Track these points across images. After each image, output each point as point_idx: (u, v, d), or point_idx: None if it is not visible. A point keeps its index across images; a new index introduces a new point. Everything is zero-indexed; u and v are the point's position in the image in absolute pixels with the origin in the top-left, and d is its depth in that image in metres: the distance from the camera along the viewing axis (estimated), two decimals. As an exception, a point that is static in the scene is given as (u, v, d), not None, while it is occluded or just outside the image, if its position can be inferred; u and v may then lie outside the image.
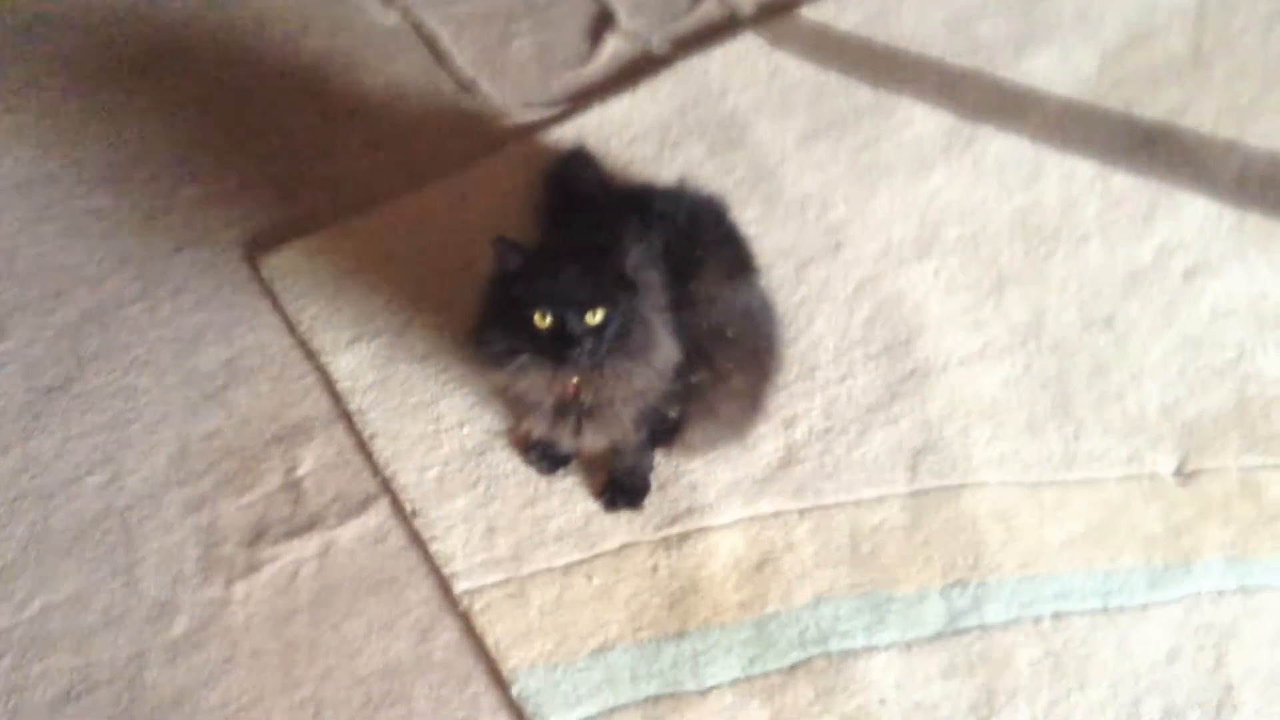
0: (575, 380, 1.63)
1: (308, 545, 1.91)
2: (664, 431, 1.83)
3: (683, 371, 1.70)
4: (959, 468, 1.93)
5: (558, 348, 1.56)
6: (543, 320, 1.56)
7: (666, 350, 1.64)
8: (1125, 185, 2.25)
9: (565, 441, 1.76)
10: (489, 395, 1.98)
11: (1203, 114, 2.36)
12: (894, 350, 2.05)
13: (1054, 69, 2.42)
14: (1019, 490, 1.91)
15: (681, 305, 1.70)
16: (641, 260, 1.64)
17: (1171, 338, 2.07)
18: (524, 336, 1.59)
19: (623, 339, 1.58)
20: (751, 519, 1.89)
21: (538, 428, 1.75)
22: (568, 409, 1.68)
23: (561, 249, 1.69)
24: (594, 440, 1.73)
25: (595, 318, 1.56)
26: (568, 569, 1.85)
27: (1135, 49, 2.45)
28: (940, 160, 2.30)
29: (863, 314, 2.09)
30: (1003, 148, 2.32)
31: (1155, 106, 2.36)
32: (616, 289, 1.58)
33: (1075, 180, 2.28)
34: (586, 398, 1.65)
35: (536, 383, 1.64)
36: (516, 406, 1.80)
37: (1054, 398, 1.99)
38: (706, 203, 1.92)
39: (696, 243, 1.79)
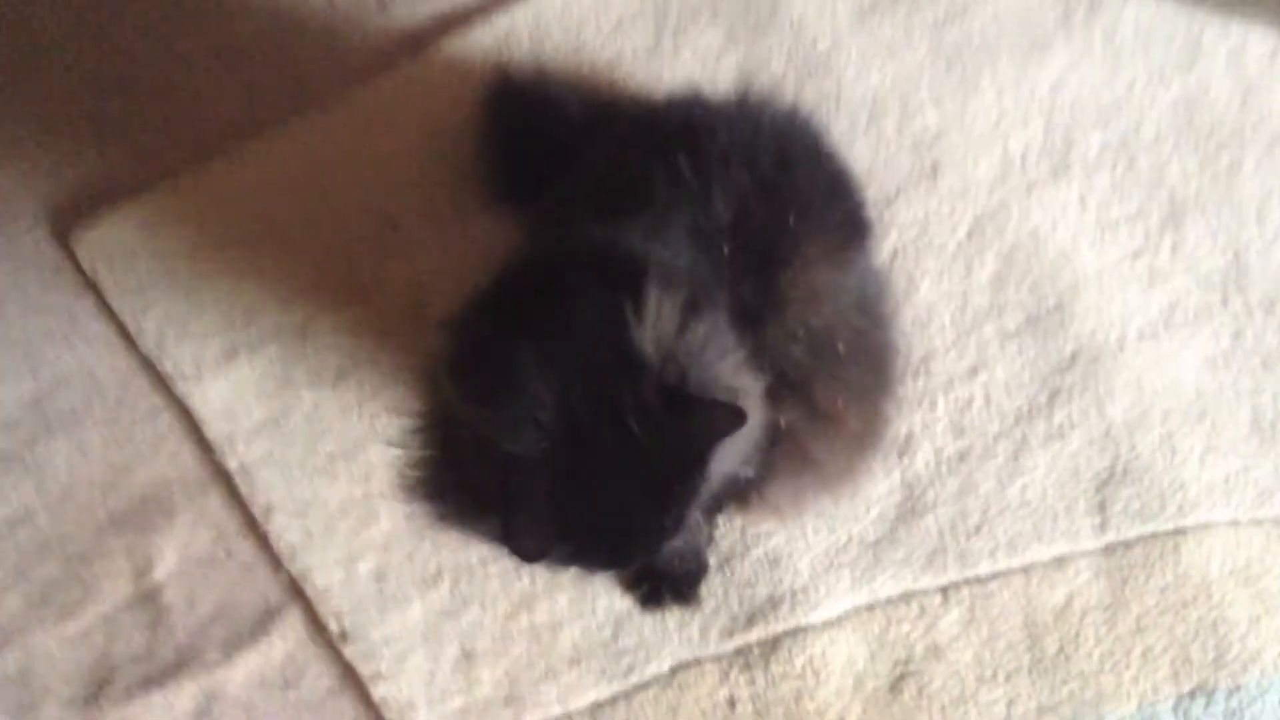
0: None
1: (179, 699, 1.24)
2: (730, 494, 1.16)
3: (766, 418, 1.04)
4: (1168, 502, 1.31)
5: None
6: None
7: (746, 434, 0.98)
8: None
9: None
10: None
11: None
12: (1041, 323, 1.43)
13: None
14: (1260, 532, 1.28)
15: (764, 313, 1.06)
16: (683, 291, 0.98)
17: None
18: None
19: None
20: (870, 608, 1.25)
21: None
22: None
23: (532, 288, 1.02)
24: None
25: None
26: (595, 713, 1.21)
27: None
28: (1058, 36, 1.64)
29: (986, 270, 1.44)
30: (1141, 15, 1.67)
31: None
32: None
33: (1248, 58, 1.63)
34: None
35: None
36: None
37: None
38: (791, 126, 1.22)
39: (787, 201, 1.11)
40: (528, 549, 0.92)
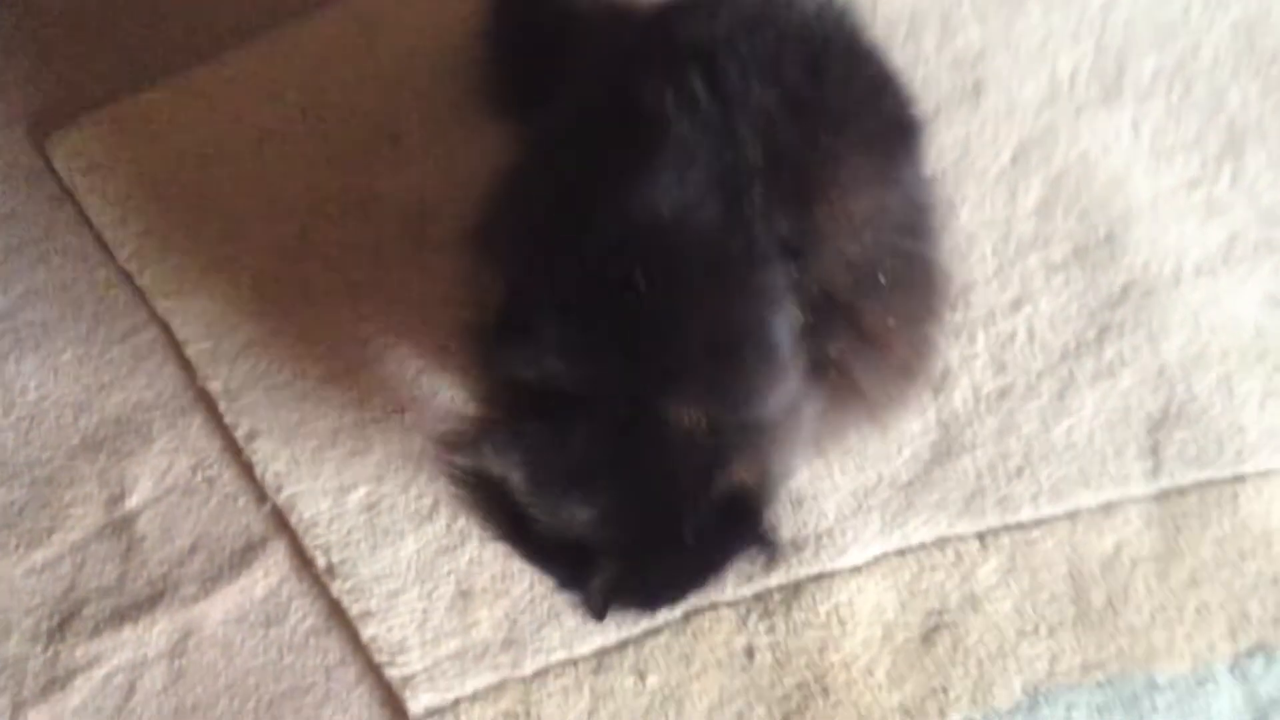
0: None
1: (151, 635, 1.14)
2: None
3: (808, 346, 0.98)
4: (1226, 447, 1.21)
5: None
6: None
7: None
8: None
9: None
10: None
11: None
12: (1090, 254, 1.32)
13: None
14: (1326, 480, 1.18)
15: (801, 247, 0.97)
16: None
17: None
18: None
19: None
20: (901, 554, 1.15)
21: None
22: None
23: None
24: None
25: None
26: (601, 660, 1.10)
27: None
28: (1110, -50, 1.51)
29: (1032, 197, 1.33)
30: (1200, -70, 1.53)
31: None
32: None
33: (1313, -25, 1.51)
34: None
35: None
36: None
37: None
38: (820, 23, 1.09)
39: (820, 118, 1.01)
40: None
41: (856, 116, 1.04)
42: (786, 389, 0.96)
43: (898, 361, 1.05)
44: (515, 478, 0.92)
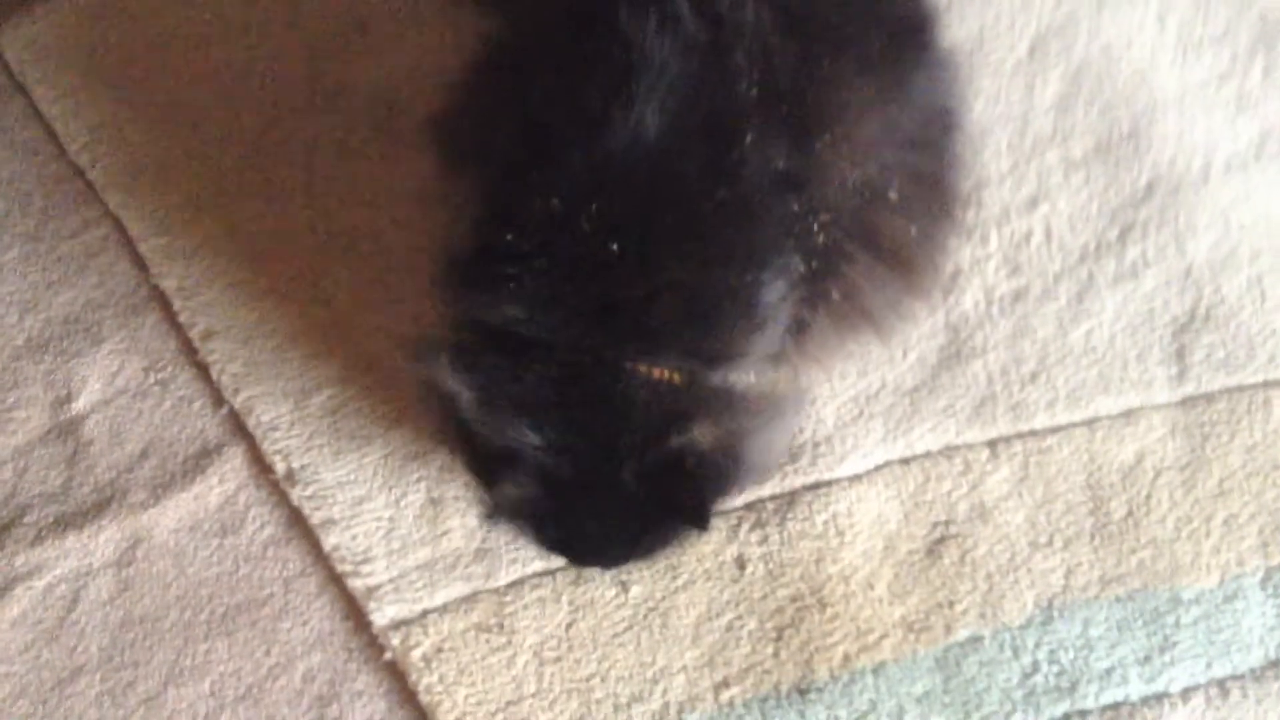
0: None
1: (97, 543, 1.06)
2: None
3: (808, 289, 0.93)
4: (1257, 351, 1.13)
5: None
6: None
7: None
8: None
9: None
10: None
11: None
12: (1112, 150, 1.23)
13: None
14: (1363, 387, 1.09)
15: (803, 178, 0.90)
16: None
17: None
18: None
19: None
20: (905, 463, 1.06)
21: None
22: None
23: None
24: None
25: None
26: (581, 570, 1.01)
27: None
28: None
29: (1051, 89, 1.25)
30: None
31: None
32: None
33: None
34: None
35: None
36: None
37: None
38: None
39: (819, 35, 0.93)
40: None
41: (861, 27, 0.95)
42: (769, 348, 0.91)
43: (914, 277, 0.97)
44: (466, 398, 0.88)
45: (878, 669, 0.99)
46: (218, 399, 1.11)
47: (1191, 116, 1.24)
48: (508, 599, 1.03)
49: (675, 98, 0.86)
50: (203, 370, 1.12)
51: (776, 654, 1.00)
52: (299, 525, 1.06)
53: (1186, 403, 1.10)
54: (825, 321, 0.96)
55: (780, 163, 0.88)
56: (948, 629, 1.01)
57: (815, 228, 0.91)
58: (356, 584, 1.03)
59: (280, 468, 1.08)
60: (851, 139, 0.92)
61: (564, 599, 1.02)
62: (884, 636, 1.01)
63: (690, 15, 0.88)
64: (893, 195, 0.95)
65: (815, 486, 1.06)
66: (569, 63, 0.91)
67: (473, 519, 1.05)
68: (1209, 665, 1.00)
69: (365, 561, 1.04)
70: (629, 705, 1.00)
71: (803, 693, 0.98)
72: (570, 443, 0.88)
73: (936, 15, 1.06)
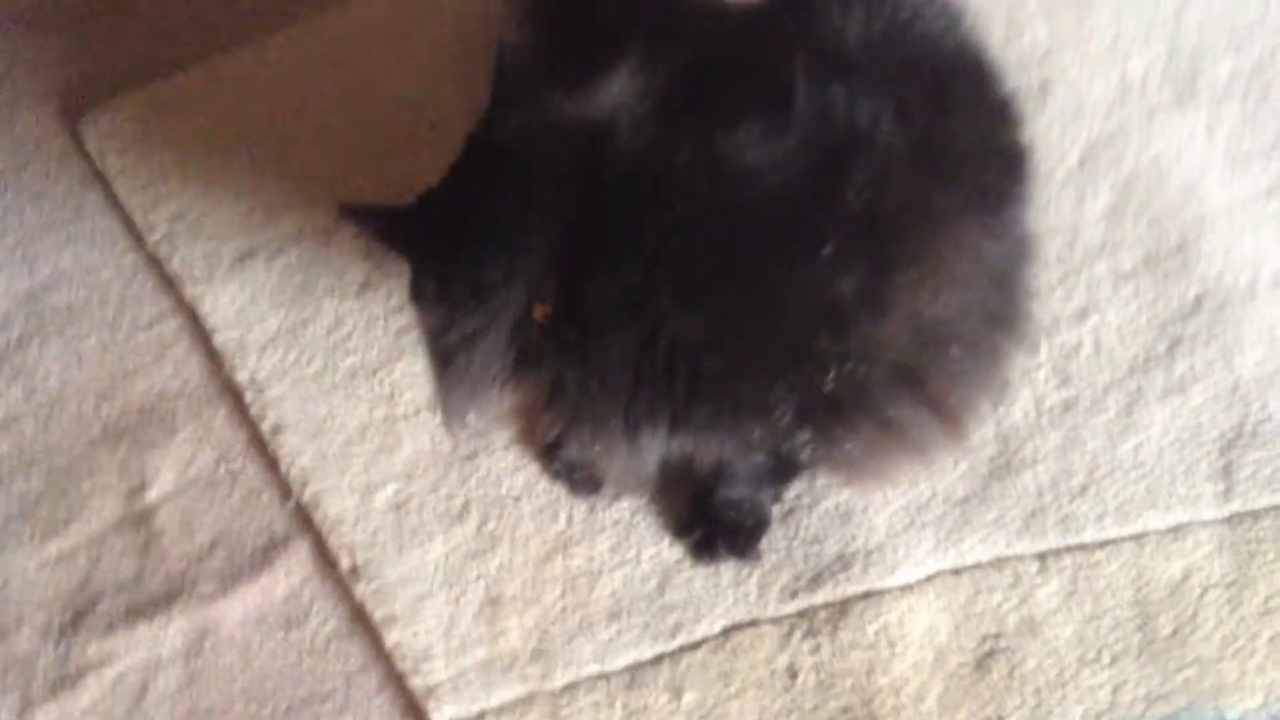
0: None
1: (166, 634, 1.09)
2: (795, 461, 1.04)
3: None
4: None
5: None
6: None
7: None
8: None
9: (617, 464, 0.98)
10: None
11: None
12: (1161, 263, 1.26)
13: None
14: None
15: (860, 316, 0.89)
16: None
17: None
18: None
19: None
20: (955, 573, 1.08)
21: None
22: None
23: None
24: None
25: None
26: (635, 675, 1.04)
27: None
28: (1184, -50, 1.45)
29: (1100, 201, 1.27)
30: (1280, -70, 1.46)
31: None
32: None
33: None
34: None
35: None
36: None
37: None
38: (941, 35, 1.00)
39: (946, 149, 0.92)
40: None
41: (979, 159, 0.95)
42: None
43: (953, 417, 0.98)
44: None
45: (926, 785, 1.01)
46: (285, 492, 1.14)
47: (1239, 230, 1.27)
48: (563, 701, 1.05)
49: (785, 150, 0.87)
50: (271, 463, 1.16)
51: (827, 765, 1.03)
52: (361, 621, 1.09)
53: (1233, 519, 1.12)
54: (870, 441, 0.98)
55: (848, 287, 0.87)
56: (996, 746, 1.02)
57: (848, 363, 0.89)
58: (416, 682, 1.06)
59: (345, 563, 1.11)
60: (939, 274, 0.90)
61: (618, 703, 1.05)
62: (933, 752, 1.03)
63: (842, 106, 0.88)
64: (954, 351, 0.94)
65: (867, 596, 1.08)
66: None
67: (529, 619, 1.08)
68: (1254, 786, 1.01)
69: (425, 660, 1.07)
70: (680, 810, 1.03)
71: (852, 806, 1.00)
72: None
73: (1031, 151, 1.05)
